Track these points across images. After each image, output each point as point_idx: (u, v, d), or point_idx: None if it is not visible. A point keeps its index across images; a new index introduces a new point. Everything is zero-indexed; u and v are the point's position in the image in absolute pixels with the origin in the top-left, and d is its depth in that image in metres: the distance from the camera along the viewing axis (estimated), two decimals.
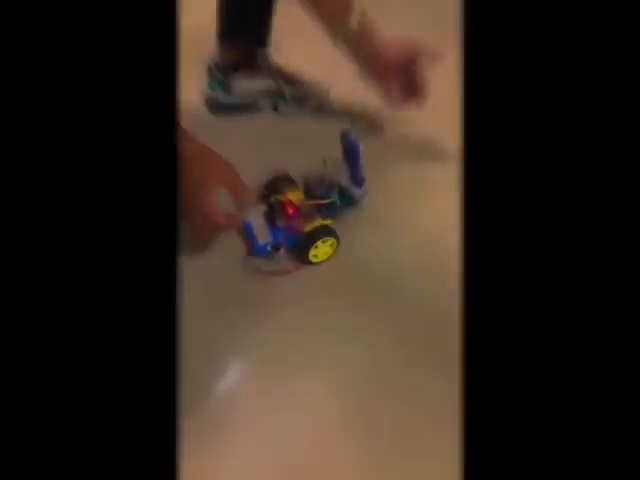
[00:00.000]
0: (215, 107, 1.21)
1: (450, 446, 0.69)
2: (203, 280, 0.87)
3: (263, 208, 0.93)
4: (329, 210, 0.93)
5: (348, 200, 0.96)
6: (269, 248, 0.89)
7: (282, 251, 0.90)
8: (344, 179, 0.95)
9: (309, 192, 0.94)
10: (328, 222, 0.92)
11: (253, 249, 0.91)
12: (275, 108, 1.22)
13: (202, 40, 1.16)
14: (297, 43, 1.22)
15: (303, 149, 1.07)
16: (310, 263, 0.90)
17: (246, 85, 1.18)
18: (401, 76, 1.04)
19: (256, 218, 0.92)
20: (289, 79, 1.21)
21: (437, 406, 0.76)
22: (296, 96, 1.20)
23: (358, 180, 0.94)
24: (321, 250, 0.90)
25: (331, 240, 0.89)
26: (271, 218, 0.91)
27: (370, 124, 1.18)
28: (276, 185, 0.95)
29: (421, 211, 1.02)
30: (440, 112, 1.22)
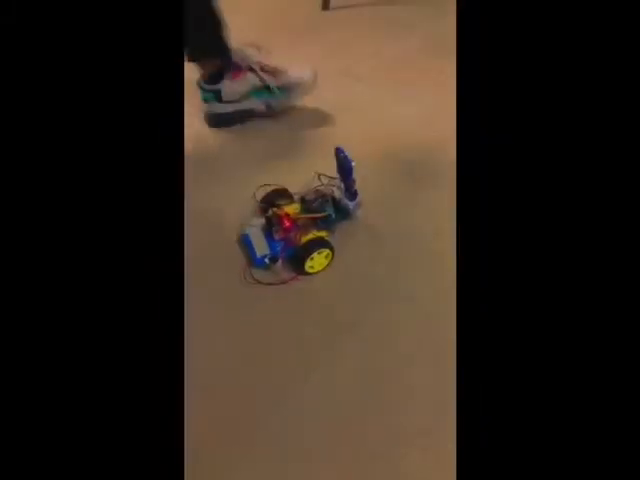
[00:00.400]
0: (213, 119, 1.25)
1: (446, 445, 0.74)
2: (206, 291, 0.91)
3: (261, 221, 0.98)
4: (324, 222, 0.97)
5: (343, 213, 1.00)
6: (267, 260, 0.93)
7: (279, 262, 0.94)
8: (338, 193, 0.99)
9: (305, 205, 0.98)
10: (323, 234, 0.96)
11: (252, 261, 0.95)
12: (269, 106, 1.25)
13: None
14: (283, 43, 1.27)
15: (299, 164, 1.12)
16: (306, 274, 0.94)
17: (234, 87, 1.22)
18: None
19: (254, 231, 0.97)
20: (271, 72, 1.24)
21: (431, 407, 0.79)
22: (282, 87, 1.23)
23: (352, 193, 0.98)
24: (317, 261, 0.93)
25: (326, 251, 0.93)
26: (269, 231, 0.96)
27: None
28: (273, 199, 1.00)
29: (415, 221, 1.06)
30: (435, 120, 1.26)
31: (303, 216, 0.96)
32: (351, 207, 0.98)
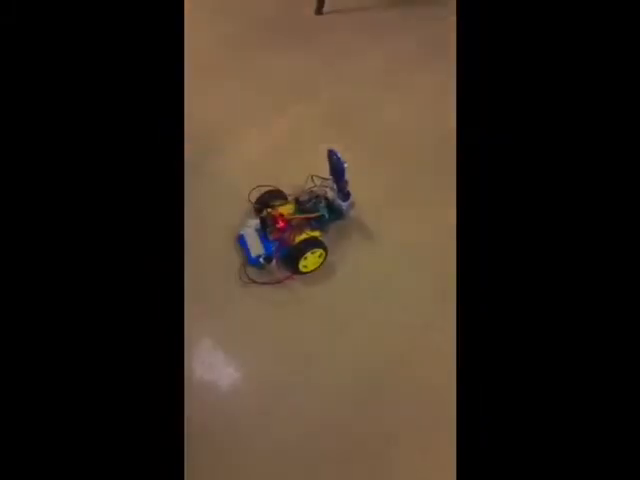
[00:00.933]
0: None
1: (446, 445, 0.76)
2: (204, 290, 0.92)
3: (256, 222, 1.00)
4: (318, 222, 0.99)
5: (336, 213, 1.02)
6: (261, 260, 0.94)
7: (274, 262, 0.96)
8: (331, 193, 1.01)
9: (299, 206, 1.00)
10: (317, 234, 0.98)
11: (247, 261, 0.97)
12: None
13: None
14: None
15: (294, 166, 1.14)
16: (301, 273, 0.96)
17: None
18: None
19: (249, 231, 0.99)
20: None
21: (429, 408, 0.82)
22: None
23: (345, 194, 1.00)
24: (310, 260, 0.95)
25: (320, 251, 0.95)
26: (263, 231, 0.98)
27: None
28: (268, 200, 1.02)
29: (409, 221, 1.08)
30: (429, 121, 1.29)
31: (297, 216, 0.98)
32: (344, 207, 1.01)
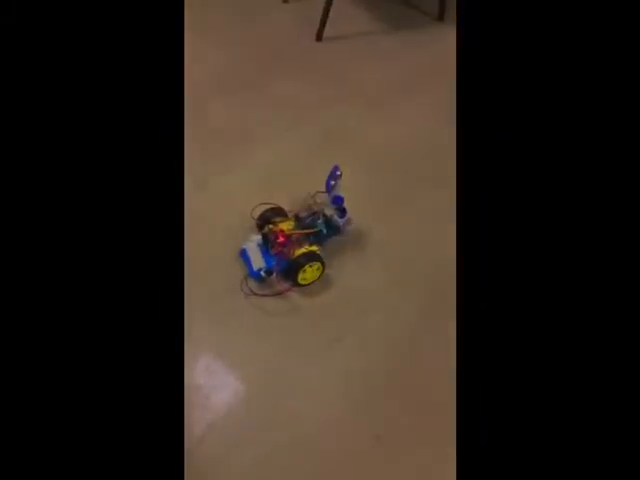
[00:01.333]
0: None
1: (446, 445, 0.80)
2: (207, 300, 0.98)
3: (258, 237, 1.06)
4: (316, 237, 1.05)
5: (333, 229, 1.07)
6: (263, 273, 1.00)
7: (274, 275, 1.01)
8: (329, 210, 1.07)
9: (299, 222, 1.06)
10: (315, 248, 1.03)
11: (249, 273, 1.02)
12: None
13: None
14: None
15: (294, 184, 1.20)
16: (299, 285, 1.01)
17: None
18: None
19: (252, 246, 1.05)
20: None
21: (429, 414, 0.86)
22: None
23: (341, 211, 1.06)
24: (309, 273, 1.01)
25: (318, 264, 1.01)
26: (265, 246, 1.03)
27: None
28: (269, 217, 1.07)
29: (402, 236, 1.14)
30: (426, 142, 1.35)
31: (297, 232, 1.04)
32: (341, 223, 1.06)
